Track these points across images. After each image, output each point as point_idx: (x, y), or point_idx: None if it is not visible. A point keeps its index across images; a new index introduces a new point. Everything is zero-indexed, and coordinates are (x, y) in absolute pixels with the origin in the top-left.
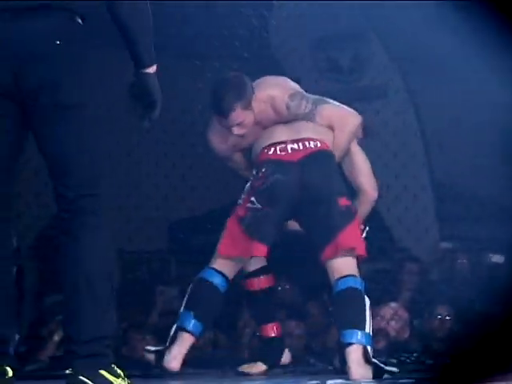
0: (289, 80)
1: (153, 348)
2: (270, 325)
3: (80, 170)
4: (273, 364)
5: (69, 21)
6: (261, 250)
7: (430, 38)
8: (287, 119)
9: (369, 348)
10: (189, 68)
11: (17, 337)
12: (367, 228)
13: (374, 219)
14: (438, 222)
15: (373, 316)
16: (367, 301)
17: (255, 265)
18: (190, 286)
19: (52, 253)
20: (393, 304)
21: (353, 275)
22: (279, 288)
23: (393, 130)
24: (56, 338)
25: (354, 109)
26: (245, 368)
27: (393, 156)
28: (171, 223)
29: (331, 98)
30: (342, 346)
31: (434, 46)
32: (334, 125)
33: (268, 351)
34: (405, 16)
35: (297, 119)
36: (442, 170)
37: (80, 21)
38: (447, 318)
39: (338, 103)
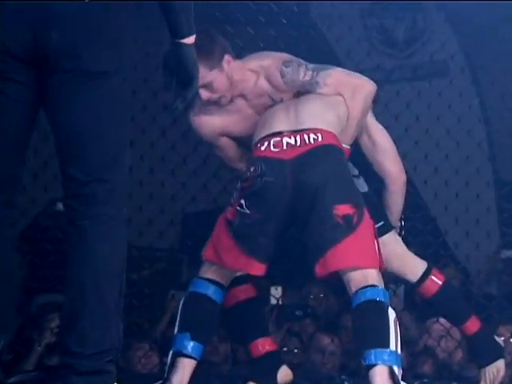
0: (286, 54)
1: None
2: (258, 341)
3: (97, 150)
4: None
5: None
6: (258, 268)
7: (498, 7)
8: (285, 91)
9: (396, 368)
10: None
11: (2, 343)
12: (403, 224)
13: (427, 220)
14: (500, 226)
15: (420, 333)
16: (392, 314)
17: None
18: (181, 302)
19: (47, 244)
20: (443, 320)
21: (372, 285)
22: (311, 296)
23: (456, 114)
24: (46, 344)
25: (411, 88)
26: None
27: (455, 146)
28: (187, 215)
29: (384, 75)
30: (366, 369)
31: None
32: (344, 93)
33: (259, 371)
34: None
35: (299, 95)
36: (509, 165)
37: None
38: (511, 339)
39: (348, 71)
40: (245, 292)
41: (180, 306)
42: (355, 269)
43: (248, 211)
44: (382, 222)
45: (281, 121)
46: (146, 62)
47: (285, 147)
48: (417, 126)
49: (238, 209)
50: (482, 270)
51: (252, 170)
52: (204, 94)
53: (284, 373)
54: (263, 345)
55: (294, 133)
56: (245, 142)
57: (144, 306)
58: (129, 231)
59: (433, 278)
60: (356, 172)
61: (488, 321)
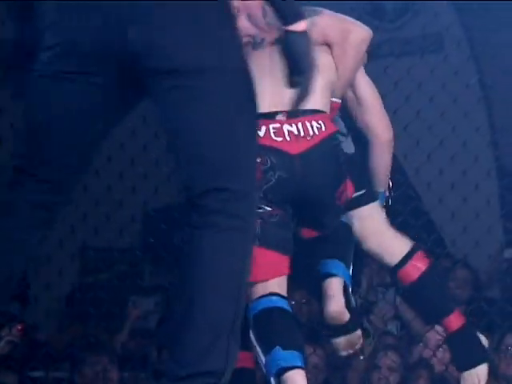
0: None
1: None
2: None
3: (209, 157)
4: None
5: None
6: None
7: None
8: (267, 32)
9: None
10: None
11: None
12: (391, 193)
13: (420, 213)
14: (503, 221)
15: (414, 342)
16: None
17: None
18: (251, 327)
19: None
20: (441, 328)
21: None
22: (292, 302)
23: (452, 94)
24: None
25: (401, 65)
26: None
27: (450, 130)
28: (150, 211)
29: (370, 49)
30: (320, 278)
31: None
32: (333, 39)
33: None
34: None
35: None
36: None
37: None
38: None
39: (340, 14)
40: None
41: (252, 330)
42: None
43: (270, 208)
44: (363, 191)
45: (269, 96)
46: None
47: (287, 137)
48: (407, 107)
49: (259, 211)
50: (483, 271)
51: (258, 161)
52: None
53: None
54: (241, 359)
55: (293, 118)
56: None
57: (101, 314)
58: (84, 229)
59: (414, 262)
60: (344, 130)
61: (490, 328)
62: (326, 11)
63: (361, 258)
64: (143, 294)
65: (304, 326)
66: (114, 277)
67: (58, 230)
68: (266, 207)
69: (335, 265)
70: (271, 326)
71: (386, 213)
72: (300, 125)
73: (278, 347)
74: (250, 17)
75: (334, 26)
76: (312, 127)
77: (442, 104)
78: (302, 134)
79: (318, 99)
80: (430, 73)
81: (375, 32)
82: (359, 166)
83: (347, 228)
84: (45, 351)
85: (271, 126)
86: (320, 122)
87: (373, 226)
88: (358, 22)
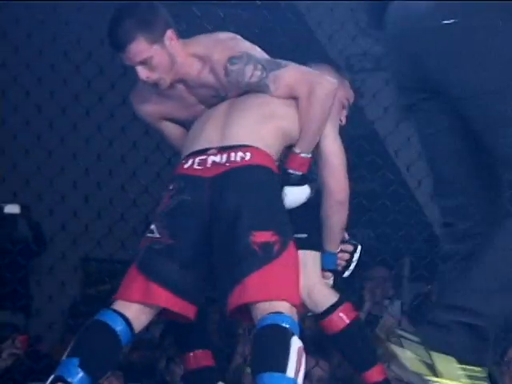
0: (240, 39)
1: None
2: (191, 354)
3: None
4: None
5: None
6: (164, 297)
7: None
8: (230, 89)
9: None
10: (187, 17)
11: None
12: (358, 250)
13: (423, 228)
14: None
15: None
16: (296, 342)
17: None
18: (80, 330)
19: None
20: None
21: (280, 312)
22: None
23: None
24: None
25: None
26: None
27: None
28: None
29: (373, 62)
30: None
31: None
32: (299, 92)
33: None
34: None
35: (247, 99)
36: None
37: None
38: None
39: (305, 68)
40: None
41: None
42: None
43: (158, 235)
44: (304, 235)
45: (209, 136)
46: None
47: (209, 165)
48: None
49: (149, 235)
50: None
51: (170, 188)
52: (142, 72)
53: None
54: (199, 357)
55: (222, 150)
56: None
57: None
58: (86, 241)
59: (340, 313)
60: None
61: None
62: (292, 64)
63: (362, 270)
64: None
65: (306, 336)
66: (116, 288)
67: (60, 241)
68: (156, 234)
69: (271, 378)
70: (86, 337)
71: (335, 281)
72: (225, 155)
73: (78, 359)
74: (214, 71)
75: (300, 79)
76: (236, 156)
77: None
78: (224, 161)
79: (251, 135)
80: None
81: (377, 44)
82: (309, 209)
83: (283, 332)
84: (47, 363)
85: (197, 158)
86: (247, 152)
87: (303, 276)
88: (324, 75)
